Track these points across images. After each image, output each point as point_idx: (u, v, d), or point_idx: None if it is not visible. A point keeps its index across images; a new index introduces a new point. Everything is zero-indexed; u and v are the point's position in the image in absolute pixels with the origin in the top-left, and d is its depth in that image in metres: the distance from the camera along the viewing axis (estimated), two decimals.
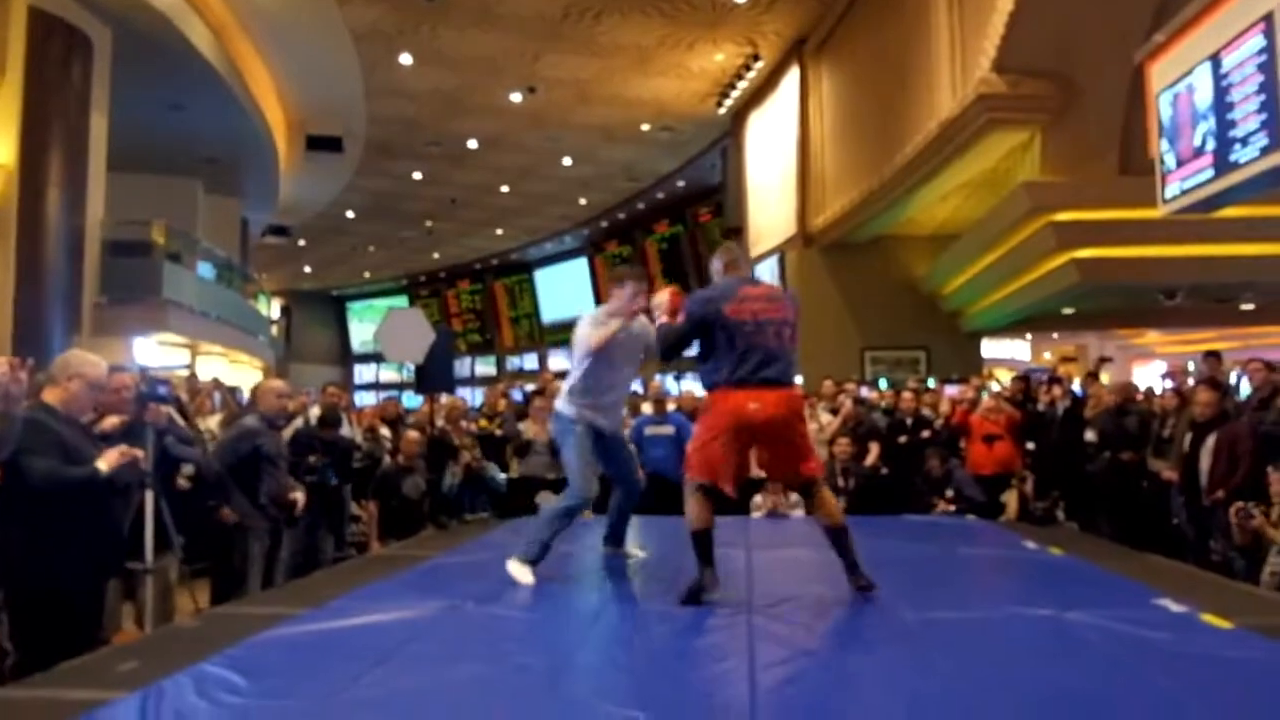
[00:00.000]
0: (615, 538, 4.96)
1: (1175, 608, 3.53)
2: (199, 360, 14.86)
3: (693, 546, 3.76)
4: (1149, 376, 14.06)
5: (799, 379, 11.75)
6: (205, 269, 15.43)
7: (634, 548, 4.98)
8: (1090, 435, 7.13)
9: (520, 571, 4.16)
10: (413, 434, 7.02)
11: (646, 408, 8.78)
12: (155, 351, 12.59)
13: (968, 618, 3.46)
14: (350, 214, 24.31)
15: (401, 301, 31.81)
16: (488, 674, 2.80)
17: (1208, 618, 3.36)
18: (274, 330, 23.88)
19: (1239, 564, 5.12)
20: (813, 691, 2.66)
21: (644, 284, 4.36)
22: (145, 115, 13.47)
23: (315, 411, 7.17)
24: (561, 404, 4.55)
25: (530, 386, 10.91)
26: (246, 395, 7.97)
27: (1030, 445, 7.82)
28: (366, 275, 33.41)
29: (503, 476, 7.53)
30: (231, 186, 17.76)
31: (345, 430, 7.16)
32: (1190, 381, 7.76)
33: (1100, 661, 2.90)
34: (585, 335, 4.38)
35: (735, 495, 3.88)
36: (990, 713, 2.40)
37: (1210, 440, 5.84)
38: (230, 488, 5.12)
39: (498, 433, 8.20)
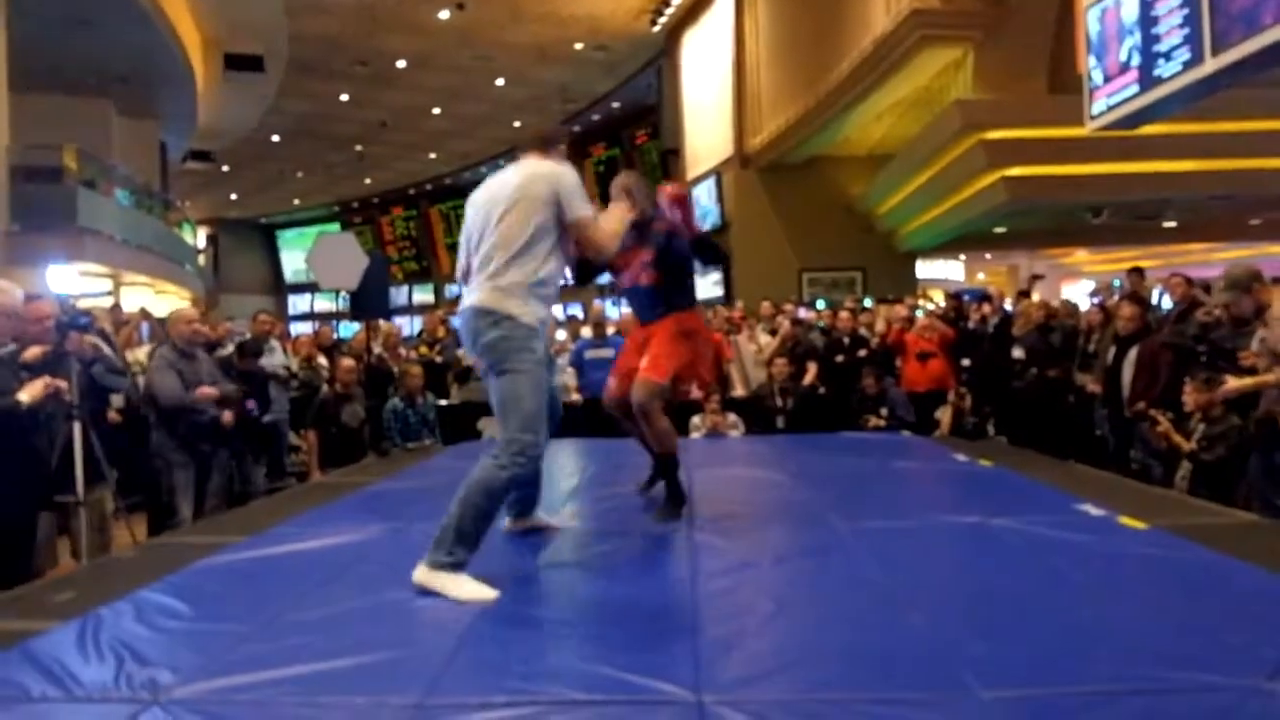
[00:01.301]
0: (526, 506, 3.57)
1: (1095, 512, 3.69)
2: (124, 291, 14.35)
3: (669, 468, 3.82)
4: (1077, 295, 14.47)
5: (738, 303, 11.84)
6: (123, 196, 14.80)
7: (550, 516, 3.73)
8: (1018, 353, 7.33)
9: (449, 583, 2.79)
10: (348, 362, 6.92)
11: (586, 331, 8.79)
12: (76, 281, 12.11)
13: (898, 526, 3.58)
14: (276, 138, 23.45)
15: (334, 229, 30.94)
16: (428, 596, 2.82)
17: (1125, 520, 3.53)
18: (201, 260, 23.14)
19: (1157, 471, 5.37)
20: (750, 597, 2.74)
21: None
22: (49, 31, 12.67)
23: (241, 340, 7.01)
24: (518, 303, 2.94)
25: None
26: None
27: (965, 362, 8.03)
28: (296, 202, 32.42)
29: (442, 402, 7.50)
30: (147, 109, 16.92)
31: (279, 359, 7.03)
32: (1115, 298, 8.00)
33: (1022, 561, 3.04)
34: (579, 194, 3.05)
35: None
36: (916, 610, 2.50)
37: (1132, 354, 6.06)
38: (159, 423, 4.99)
39: (438, 360, 8.15)
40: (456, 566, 2.82)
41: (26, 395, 3.47)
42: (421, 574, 2.82)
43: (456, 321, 3.48)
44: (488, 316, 2.93)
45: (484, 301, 2.94)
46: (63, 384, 3.78)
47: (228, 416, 5.28)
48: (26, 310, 4.16)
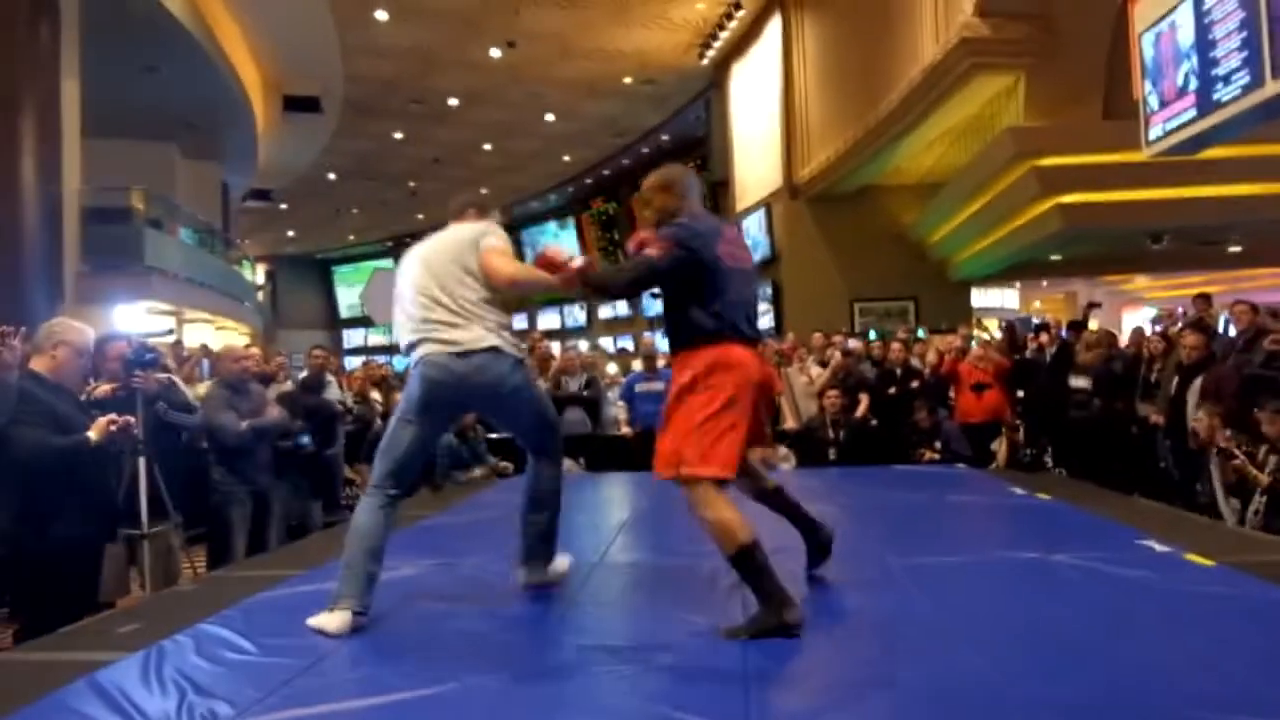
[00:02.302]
0: (534, 556, 3.37)
1: (1160, 548, 3.61)
2: (185, 328, 14.80)
3: (742, 572, 2.81)
4: (1138, 322, 14.14)
5: (789, 334, 11.81)
6: (187, 235, 15.31)
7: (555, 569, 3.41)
8: (1082, 382, 7.11)
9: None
10: (399, 396, 7.03)
11: (636, 364, 8.84)
12: (141, 319, 12.52)
13: (952, 561, 3.54)
14: (332, 176, 24.07)
15: (387, 264, 31.50)
16: (483, 626, 2.85)
17: (1191, 557, 3.44)
18: (259, 296, 23.76)
19: (1228, 504, 5.20)
20: (802, 633, 2.72)
21: None
22: (118, 78, 13.25)
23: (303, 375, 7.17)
24: (514, 344, 3.22)
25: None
26: None
27: (1020, 393, 7.88)
28: (351, 238, 33.16)
29: (495, 436, 7.58)
30: (210, 150, 17.53)
31: (334, 394, 7.17)
32: (1178, 325, 7.82)
33: (1082, 598, 2.98)
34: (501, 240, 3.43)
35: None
36: (972, 647, 2.46)
37: (1197, 383, 5.90)
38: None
39: None
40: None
41: (95, 433, 3.59)
42: None
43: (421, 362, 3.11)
44: (507, 359, 3.13)
45: (499, 345, 3.12)
46: (130, 420, 3.91)
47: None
48: (106, 349, 4.34)
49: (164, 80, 13.81)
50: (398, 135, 21.06)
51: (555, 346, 10.00)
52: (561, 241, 27.98)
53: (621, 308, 25.79)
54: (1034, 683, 2.21)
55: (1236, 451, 4.96)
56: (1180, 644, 2.53)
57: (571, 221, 27.43)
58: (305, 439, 5.92)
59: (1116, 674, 2.28)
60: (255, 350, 5.72)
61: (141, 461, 4.41)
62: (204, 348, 9.07)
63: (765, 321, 15.40)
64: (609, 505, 5.32)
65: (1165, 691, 2.16)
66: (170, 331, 12.38)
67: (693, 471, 2.77)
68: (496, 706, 2.17)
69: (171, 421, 5.01)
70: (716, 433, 2.78)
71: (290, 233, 31.46)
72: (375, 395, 7.84)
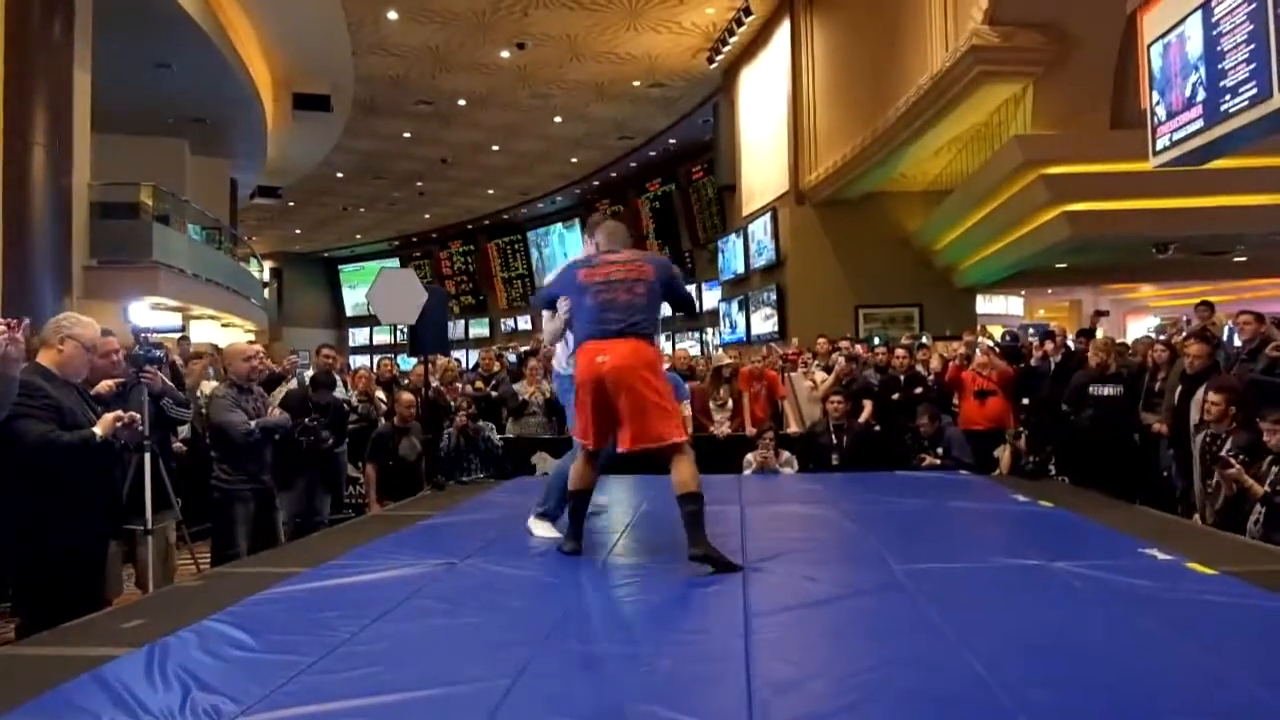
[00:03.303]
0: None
1: (1162, 556, 3.61)
2: (191, 324, 14.84)
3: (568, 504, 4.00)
4: (1142, 331, 14.11)
5: (793, 339, 11.79)
6: (195, 231, 15.35)
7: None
8: (1108, 390, 6.99)
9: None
10: (407, 396, 7.05)
11: None
12: (147, 314, 12.56)
13: (955, 568, 3.53)
14: (340, 174, 24.13)
15: (393, 263, 31.57)
16: (486, 626, 2.86)
17: (1193, 565, 3.43)
18: (265, 293, 23.80)
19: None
20: (804, 638, 2.73)
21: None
22: (130, 74, 13.31)
23: (310, 374, 7.19)
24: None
25: (525, 348, 10.93)
26: None
27: (1025, 401, 7.85)
28: (358, 237, 33.23)
29: (499, 438, 7.59)
30: (219, 147, 17.60)
31: (340, 392, 7.19)
32: (1182, 334, 7.79)
33: (1084, 606, 2.97)
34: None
35: (596, 448, 3.89)
36: (974, 654, 2.46)
37: (1200, 393, 5.88)
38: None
39: (493, 395, 8.24)
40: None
41: (101, 429, 3.60)
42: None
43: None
44: None
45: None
46: (136, 416, 3.92)
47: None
48: (100, 345, 4.34)
49: (175, 76, 13.88)
50: (406, 135, 21.11)
51: None
52: (567, 243, 28.02)
53: None
54: (1035, 690, 2.21)
55: (1233, 461, 4.96)
56: (1182, 652, 2.52)
57: (577, 223, 27.47)
58: (325, 433, 5.95)
59: (1118, 682, 2.28)
60: (259, 348, 5.72)
61: (147, 457, 4.43)
62: (215, 347, 9.07)
63: (769, 325, 15.40)
64: (612, 507, 5.32)
65: (1167, 700, 2.16)
66: (181, 329, 12.47)
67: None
68: (499, 706, 2.17)
69: (173, 417, 5.03)
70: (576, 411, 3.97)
71: (297, 230, 31.53)
72: (379, 394, 7.84)
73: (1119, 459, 6.68)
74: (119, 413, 3.73)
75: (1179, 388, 6.23)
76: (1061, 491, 5.74)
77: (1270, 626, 2.73)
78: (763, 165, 16.74)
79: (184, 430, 6.28)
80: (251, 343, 6.60)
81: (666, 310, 4.08)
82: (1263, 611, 2.87)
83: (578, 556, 3.86)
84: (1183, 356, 6.37)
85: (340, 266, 36.39)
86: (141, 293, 12.34)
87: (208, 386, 7.10)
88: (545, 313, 4.30)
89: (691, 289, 4.59)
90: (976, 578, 3.42)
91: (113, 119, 13.03)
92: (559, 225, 28.45)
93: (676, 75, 17.58)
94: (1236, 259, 13.21)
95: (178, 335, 10.40)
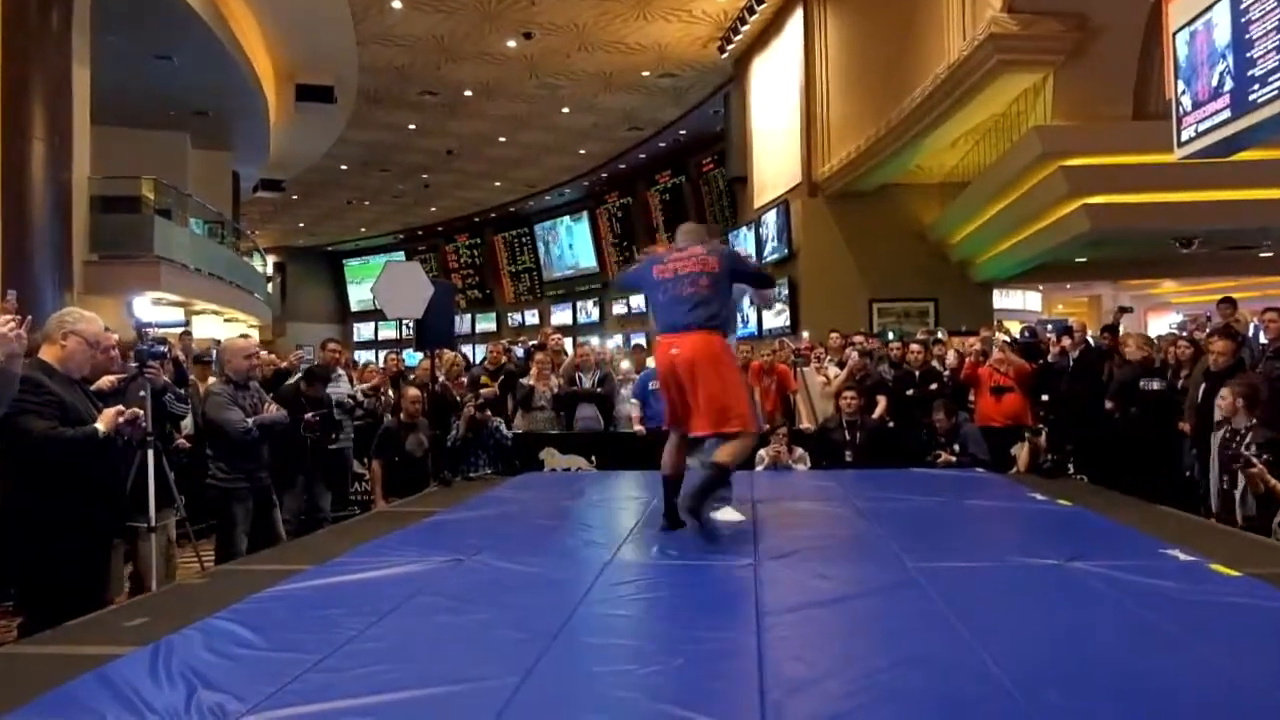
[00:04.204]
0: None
1: (1184, 557, 3.60)
2: (194, 319, 14.91)
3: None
4: (1164, 328, 14.06)
5: (805, 332, 11.78)
6: (197, 225, 15.41)
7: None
8: (1157, 384, 6.99)
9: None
10: (413, 391, 7.07)
11: (652, 362, 8.83)
12: (149, 309, 12.63)
13: (971, 567, 3.54)
14: (344, 167, 24.17)
15: (399, 257, 31.69)
16: (493, 624, 2.87)
17: (1216, 567, 3.42)
18: (269, 288, 23.89)
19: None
20: (817, 637, 2.73)
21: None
22: (130, 66, 13.36)
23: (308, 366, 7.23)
24: None
25: (532, 343, 10.95)
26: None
27: (1044, 398, 7.84)
28: (363, 230, 33.30)
29: (509, 431, 7.62)
30: (221, 139, 17.66)
31: (345, 387, 7.22)
32: (1205, 331, 7.76)
33: (1104, 607, 2.97)
34: None
35: (681, 434, 4.25)
36: (990, 655, 2.46)
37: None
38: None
39: (496, 393, 8.24)
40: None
41: (104, 424, 3.62)
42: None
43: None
44: None
45: None
46: (139, 412, 3.95)
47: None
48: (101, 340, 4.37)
49: (176, 68, 13.93)
50: (411, 126, 21.14)
51: (568, 343, 10.01)
52: (574, 235, 28.02)
53: (636, 302, 25.83)
54: (1050, 692, 2.21)
55: (1256, 461, 4.93)
56: (1200, 655, 2.52)
57: (585, 216, 27.47)
58: (310, 416, 6.01)
59: (1135, 684, 2.28)
60: (255, 342, 5.75)
61: (150, 453, 4.46)
62: (217, 343, 9.12)
63: (781, 320, 15.39)
64: (622, 504, 5.34)
65: (1184, 703, 2.16)
66: (184, 324, 12.53)
67: None
68: (506, 705, 2.19)
69: (174, 413, 5.07)
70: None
71: (301, 224, 31.62)
72: (387, 390, 7.88)
73: (1161, 457, 6.65)
74: (121, 408, 3.76)
75: (1203, 385, 6.20)
76: (1081, 490, 5.73)
77: None
78: (775, 157, 16.71)
79: (187, 426, 6.32)
80: (244, 336, 6.60)
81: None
82: None
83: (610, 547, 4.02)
84: (1207, 354, 6.35)
85: (345, 261, 36.49)
86: (143, 288, 12.40)
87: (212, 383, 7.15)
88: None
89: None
90: (993, 577, 3.42)
91: (113, 112, 13.09)
92: (566, 218, 28.45)
93: (687, 65, 17.56)
94: (1262, 254, 13.14)
95: (180, 330, 10.46)
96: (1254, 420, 5.20)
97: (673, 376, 4.14)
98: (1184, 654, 2.54)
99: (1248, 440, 5.08)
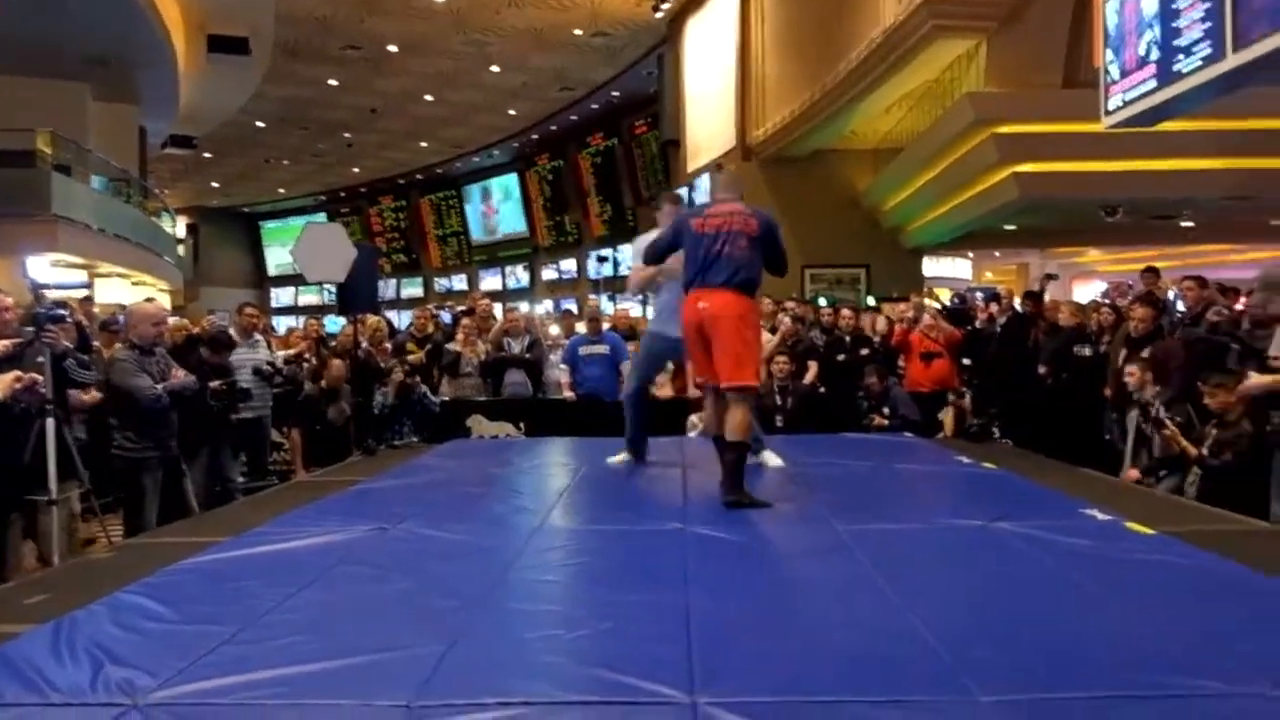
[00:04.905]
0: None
1: (1102, 517, 3.74)
2: (98, 282, 14.38)
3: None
4: (1089, 296, 14.51)
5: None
6: (99, 183, 14.82)
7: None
8: (1089, 350, 7.22)
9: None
10: (337, 362, 6.95)
11: (581, 327, 8.80)
12: (48, 271, 12.12)
13: (898, 529, 3.62)
14: (261, 124, 23.46)
15: (320, 219, 31.00)
16: (418, 591, 2.85)
17: (1132, 525, 3.57)
18: (180, 251, 23.14)
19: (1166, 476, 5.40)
20: (747, 598, 2.77)
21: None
22: (21, 10, 12.68)
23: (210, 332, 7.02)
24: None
25: (460, 308, 10.82)
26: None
27: (966, 361, 8.06)
28: (281, 191, 32.43)
29: (437, 399, 7.53)
30: (125, 92, 16.92)
31: (264, 354, 7.04)
32: (1128, 299, 8.02)
33: (1026, 565, 3.08)
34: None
35: (715, 389, 4.41)
36: (916, 613, 2.53)
37: (1143, 356, 6.09)
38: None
39: (422, 360, 8.11)
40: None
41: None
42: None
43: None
44: None
45: None
46: (38, 378, 3.80)
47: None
48: None
49: (73, 13, 13.23)
50: (333, 82, 20.57)
51: (498, 308, 9.92)
52: (504, 199, 27.69)
53: (567, 267, 25.70)
54: (976, 649, 2.28)
55: (1168, 422, 5.16)
56: (1120, 609, 2.63)
57: (515, 178, 27.16)
58: (237, 396, 5.87)
59: (1058, 639, 2.36)
60: (163, 307, 5.56)
61: (50, 422, 4.30)
62: (121, 309, 8.80)
63: None
64: (551, 471, 5.33)
65: (1106, 655, 2.25)
66: (85, 286, 12.05)
67: None
68: (432, 673, 2.18)
69: (77, 380, 4.89)
70: None
71: (214, 184, 30.66)
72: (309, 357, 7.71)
73: (1087, 421, 6.87)
74: (17, 373, 3.61)
75: (1123, 351, 6.43)
76: (1005, 454, 5.90)
77: (1205, 584, 2.85)
78: (709, 120, 16.71)
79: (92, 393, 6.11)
80: (150, 300, 6.37)
81: None
82: (1198, 570, 3.00)
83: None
84: (1128, 320, 6.58)
85: (262, 223, 35.53)
86: (40, 248, 11.91)
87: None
88: (638, 262, 4.90)
89: (630, 248, 5.26)
90: (920, 539, 3.51)
91: (4, 59, 12.45)
92: (495, 180, 28.10)
93: (620, 24, 17.39)
94: (1184, 224, 13.62)
95: (82, 295, 10.07)
96: (1159, 388, 5.46)
97: (699, 332, 4.30)
98: (1102, 610, 2.65)
99: (1156, 406, 5.34)
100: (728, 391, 4.22)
